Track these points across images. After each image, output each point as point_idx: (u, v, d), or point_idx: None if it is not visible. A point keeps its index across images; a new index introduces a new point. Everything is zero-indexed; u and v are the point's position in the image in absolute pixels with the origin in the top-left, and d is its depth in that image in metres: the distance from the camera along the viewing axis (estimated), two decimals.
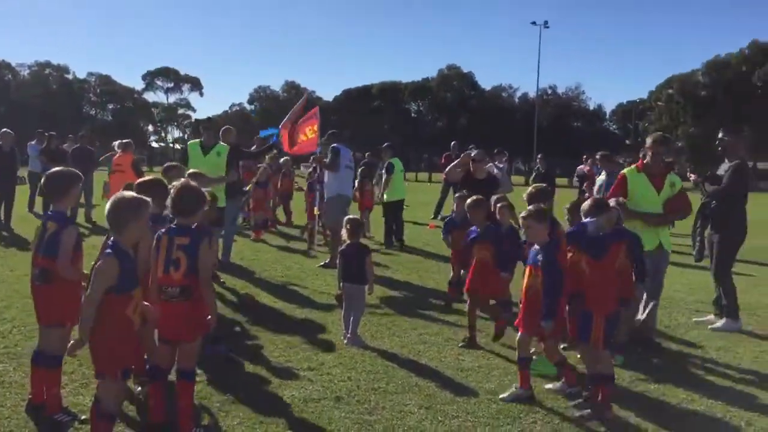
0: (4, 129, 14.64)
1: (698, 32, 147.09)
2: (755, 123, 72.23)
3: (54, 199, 4.69)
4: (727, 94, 73.64)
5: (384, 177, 13.94)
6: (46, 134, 16.25)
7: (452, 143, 18.71)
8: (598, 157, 16.43)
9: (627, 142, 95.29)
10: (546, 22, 68.57)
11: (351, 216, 7.15)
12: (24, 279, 8.84)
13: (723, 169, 7.48)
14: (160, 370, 4.44)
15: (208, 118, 10.55)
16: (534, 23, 69.39)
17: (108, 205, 3.96)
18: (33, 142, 16.90)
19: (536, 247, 5.09)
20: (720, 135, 7.56)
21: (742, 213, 7.29)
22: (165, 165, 7.48)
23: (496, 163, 16.35)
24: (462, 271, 7.26)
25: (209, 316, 4.35)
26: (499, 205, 6.89)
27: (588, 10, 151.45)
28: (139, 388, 4.89)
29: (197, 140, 9.64)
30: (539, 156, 16.82)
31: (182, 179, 5.01)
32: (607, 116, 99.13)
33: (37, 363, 4.57)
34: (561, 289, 4.89)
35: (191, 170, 7.02)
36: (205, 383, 5.15)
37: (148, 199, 4.09)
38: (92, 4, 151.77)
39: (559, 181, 18.92)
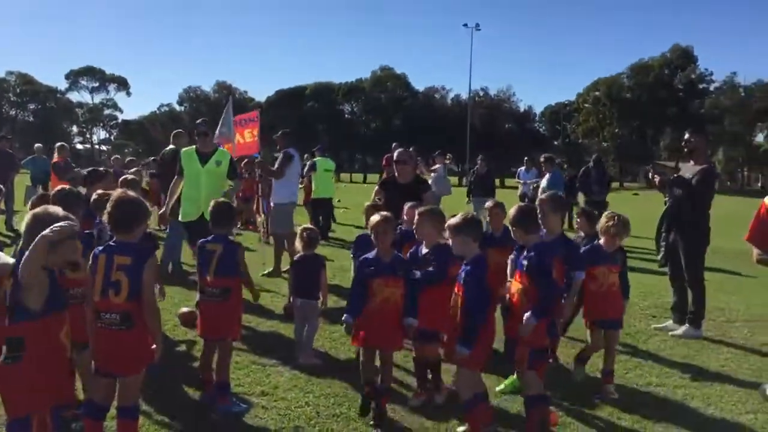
0: None
1: (623, 36, 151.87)
2: (677, 124, 75.06)
3: None
4: (651, 96, 76.15)
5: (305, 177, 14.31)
6: None
7: (393, 144, 18.40)
8: (542, 159, 16.55)
9: (555, 143, 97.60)
10: (477, 25, 69.41)
11: (308, 226, 6.72)
12: None
13: (688, 170, 7.31)
14: (97, 407, 3.94)
15: (204, 121, 8.21)
16: (466, 25, 70.16)
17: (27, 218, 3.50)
18: None
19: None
20: (687, 136, 7.40)
21: (707, 216, 7.19)
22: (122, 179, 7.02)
23: (438, 165, 16.22)
24: None
25: (154, 346, 3.88)
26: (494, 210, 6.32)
27: (518, 13, 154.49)
28: (73, 425, 4.33)
29: (191, 147, 8.05)
30: (480, 157, 16.65)
31: (118, 189, 4.52)
32: (537, 117, 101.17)
33: None
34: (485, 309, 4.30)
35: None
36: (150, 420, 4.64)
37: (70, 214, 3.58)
38: (11, 1, 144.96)
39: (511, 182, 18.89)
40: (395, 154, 7.35)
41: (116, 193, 4.14)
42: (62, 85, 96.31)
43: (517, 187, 19.58)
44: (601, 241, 5.50)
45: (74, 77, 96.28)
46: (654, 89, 76.25)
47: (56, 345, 3.43)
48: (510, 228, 4.78)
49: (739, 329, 7.60)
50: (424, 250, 5.02)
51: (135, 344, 3.79)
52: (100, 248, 3.90)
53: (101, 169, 7.65)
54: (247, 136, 10.68)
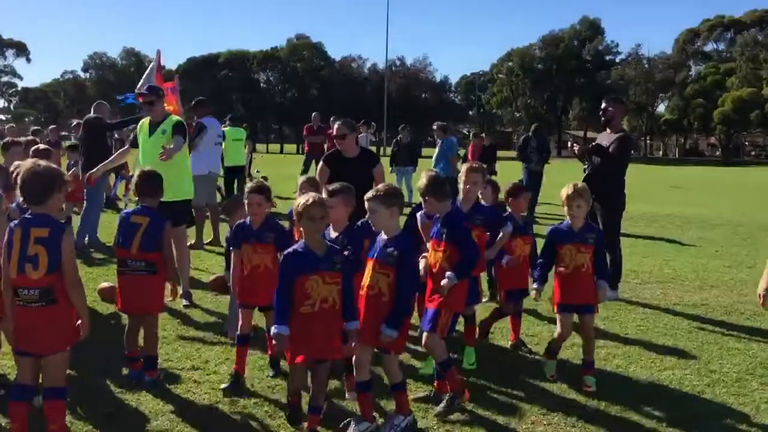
0: None
1: (536, 8, 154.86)
2: (586, 94, 77.61)
3: None
4: (562, 67, 78.25)
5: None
6: None
7: (313, 114, 18.21)
8: (434, 127, 16.72)
9: (470, 113, 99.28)
10: None
11: (239, 195, 6.51)
12: None
13: (604, 138, 7.53)
14: (20, 388, 3.74)
15: (150, 88, 7.12)
16: None
17: None
18: None
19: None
20: (603, 105, 7.59)
21: (624, 183, 7.46)
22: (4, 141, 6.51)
23: (362, 135, 16.15)
24: None
25: (79, 321, 3.71)
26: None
27: None
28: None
29: (146, 118, 7.28)
30: (402, 126, 16.71)
31: (29, 160, 4.24)
32: (453, 88, 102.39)
33: None
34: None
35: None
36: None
37: None
38: None
39: (427, 152, 19.06)
40: (335, 130, 6.56)
41: (26, 163, 3.90)
42: None
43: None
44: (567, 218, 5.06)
45: None
46: (564, 60, 78.32)
47: None
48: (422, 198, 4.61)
49: (651, 290, 7.99)
50: (333, 235, 4.51)
51: (57, 321, 3.61)
52: (15, 222, 3.69)
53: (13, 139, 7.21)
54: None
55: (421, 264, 4.50)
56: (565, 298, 4.97)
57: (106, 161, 7.86)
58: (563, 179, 5.96)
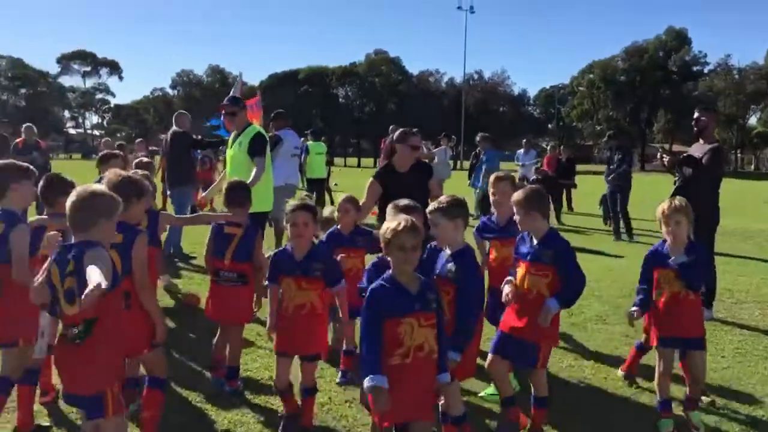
0: None
1: (618, 18, 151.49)
2: (671, 106, 75.01)
3: None
4: (646, 78, 75.97)
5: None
6: None
7: (390, 127, 18.24)
8: (478, 138, 16.47)
9: (549, 126, 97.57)
10: (472, 7, 68.97)
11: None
12: None
13: (696, 150, 7.17)
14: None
15: (232, 99, 7.26)
16: (460, 8, 69.55)
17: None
18: None
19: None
20: (696, 114, 7.25)
21: (718, 196, 7.07)
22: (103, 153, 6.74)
23: (441, 148, 16.07)
24: None
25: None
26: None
27: None
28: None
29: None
30: (477, 138, 16.49)
31: (113, 169, 4.39)
32: (531, 101, 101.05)
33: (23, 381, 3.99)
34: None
35: None
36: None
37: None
38: None
39: (505, 165, 18.77)
40: (415, 141, 5.95)
41: (110, 173, 4.05)
42: (54, 69, 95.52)
43: (516, 170, 19.48)
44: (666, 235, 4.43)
45: (66, 61, 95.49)
46: (648, 72, 76.03)
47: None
48: (516, 212, 4.19)
49: (749, 310, 7.51)
50: (446, 256, 3.89)
51: (135, 324, 3.70)
52: None
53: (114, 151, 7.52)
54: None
55: (506, 289, 4.15)
56: (664, 329, 4.34)
57: (214, 185, 7.93)
58: (649, 193, 5.69)
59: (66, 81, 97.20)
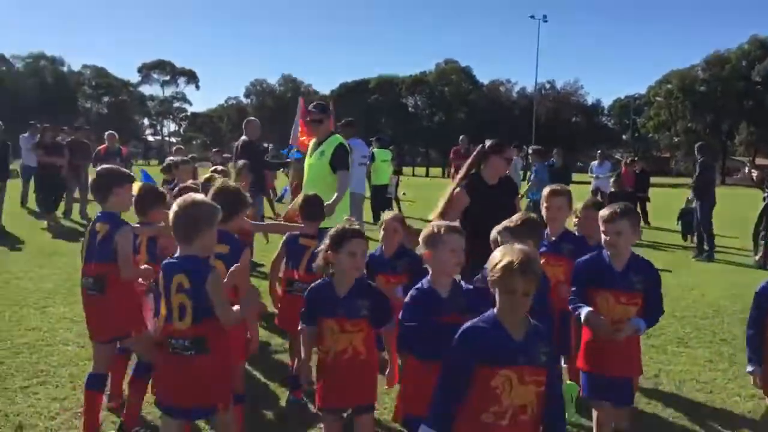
0: None
1: (697, 28, 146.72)
2: (754, 118, 71.91)
3: (100, 199, 4.18)
4: (727, 89, 73.12)
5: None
6: (40, 126, 15.43)
7: (461, 137, 18.07)
8: (530, 151, 16.08)
9: (624, 137, 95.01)
10: (545, 16, 67.88)
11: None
12: (14, 282, 8.18)
13: None
14: None
15: (318, 105, 6.98)
16: (532, 17, 68.71)
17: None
18: (26, 135, 16.16)
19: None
20: None
21: None
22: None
23: (515, 159, 15.79)
24: None
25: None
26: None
27: (587, 3, 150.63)
28: None
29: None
30: (555, 150, 16.06)
31: (219, 179, 4.58)
32: (605, 111, 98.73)
33: (90, 387, 4.04)
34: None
35: None
36: None
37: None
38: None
39: (577, 177, 18.35)
40: (507, 152, 5.53)
41: (218, 182, 4.23)
42: (135, 78, 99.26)
43: (589, 182, 18.95)
44: None
45: (146, 71, 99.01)
46: (730, 82, 73.14)
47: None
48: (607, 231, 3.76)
49: None
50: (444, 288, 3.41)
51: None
52: None
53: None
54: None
55: (583, 312, 3.76)
56: None
57: (297, 197, 7.93)
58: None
59: (146, 90, 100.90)
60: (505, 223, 3.82)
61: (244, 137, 10.28)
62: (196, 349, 3.18)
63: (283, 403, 4.81)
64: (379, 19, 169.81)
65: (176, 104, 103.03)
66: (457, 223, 3.59)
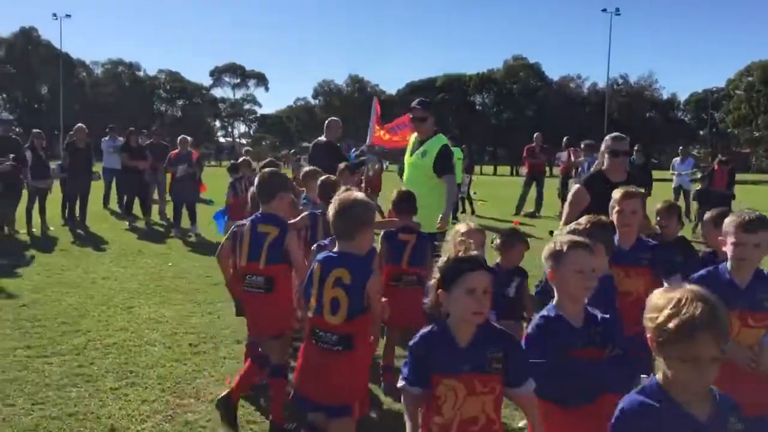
0: (78, 124, 14.42)
1: None
2: None
3: (264, 201, 4.42)
4: None
5: None
6: (129, 129, 15.84)
7: (535, 134, 17.68)
8: (582, 146, 15.48)
9: (701, 132, 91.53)
10: (617, 9, 66.05)
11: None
12: (101, 282, 8.39)
13: None
14: None
15: (422, 102, 6.61)
16: (604, 10, 66.88)
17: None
18: (106, 138, 16.66)
19: None
20: None
21: None
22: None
23: (586, 158, 15.30)
24: None
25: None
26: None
27: None
28: None
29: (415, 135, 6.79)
30: (636, 147, 15.47)
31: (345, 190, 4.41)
32: (681, 106, 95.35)
33: (274, 375, 4.32)
34: None
35: None
36: None
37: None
38: (161, 2, 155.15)
39: (657, 174, 17.65)
40: (619, 145, 5.10)
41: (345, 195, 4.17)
42: (207, 81, 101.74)
43: (668, 179, 18.26)
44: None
45: (218, 74, 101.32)
46: None
47: None
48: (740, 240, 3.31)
49: None
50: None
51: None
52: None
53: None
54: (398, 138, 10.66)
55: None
56: None
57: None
58: None
59: (218, 93, 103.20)
60: (572, 225, 3.51)
61: (323, 137, 10.16)
62: (343, 345, 3.24)
63: None
64: (446, 18, 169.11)
65: (246, 106, 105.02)
66: (584, 239, 3.00)
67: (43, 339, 6.02)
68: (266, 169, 4.68)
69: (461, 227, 3.94)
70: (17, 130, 14.64)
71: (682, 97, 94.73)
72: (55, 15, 69.03)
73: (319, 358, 3.29)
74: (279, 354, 4.30)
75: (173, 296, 7.81)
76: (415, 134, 6.71)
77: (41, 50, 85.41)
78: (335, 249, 3.42)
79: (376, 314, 3.34)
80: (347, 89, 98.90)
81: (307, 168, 6.84)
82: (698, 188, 14.41)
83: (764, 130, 74.50)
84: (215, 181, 22.81)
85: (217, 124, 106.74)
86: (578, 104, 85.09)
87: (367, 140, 9.42)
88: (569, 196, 5.07)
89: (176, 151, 13.71)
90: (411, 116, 6.70)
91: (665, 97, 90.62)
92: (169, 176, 14.06)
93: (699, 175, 16.72)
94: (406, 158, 6.73)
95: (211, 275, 9.03)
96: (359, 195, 3.47)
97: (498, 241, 5.05)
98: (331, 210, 3.37)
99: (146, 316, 6.91)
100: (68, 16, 71.62)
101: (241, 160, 11.25)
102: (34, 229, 12.67)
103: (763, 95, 73.73)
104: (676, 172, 17.35)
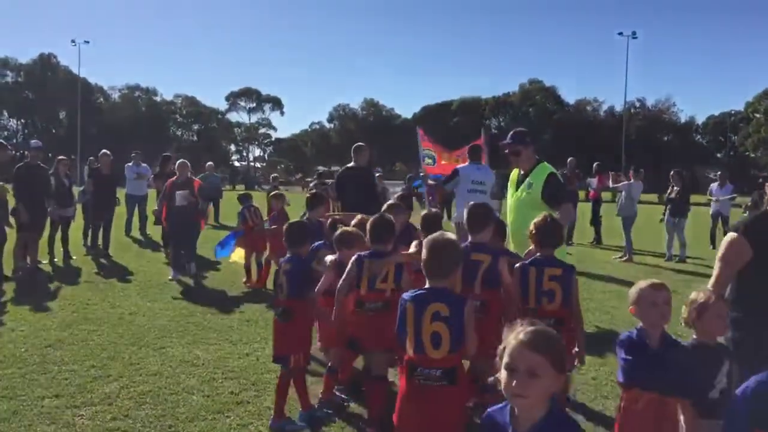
0: (103, 150, 14.08)
1: None
2: None
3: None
4: None
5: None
6: (163, 156, 15.50)
7: (569, 159, 17.12)
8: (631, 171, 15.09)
9: (719, 155, 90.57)
10: (634, 33, 65.91)
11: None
12: (128, 318, 7.92)
13: None
14: None
15: (517, 134, 6.36)
16: (621, 34, 66.80)
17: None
18: (130, 164, 16.35)
19: None
20: None
21: None
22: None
23: (632, 182, 14.76)
24: None
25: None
26: None
27: (679, 17, 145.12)
28: None
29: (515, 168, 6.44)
30: (672, 172, 14.90)
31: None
32: (699, 128, 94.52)
33: (378, 380, 4.75)
34: None
35: None
36: None
37: None
38: (178, 28, 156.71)
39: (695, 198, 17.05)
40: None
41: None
42: (222, 106, 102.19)
43: (708, 205, 17.66)
44: None
45: (233, 98, 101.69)
46: None
47: None
48: None
49: None
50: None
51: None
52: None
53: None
54: (451, 159, 10.52)
55: None
56: None
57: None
58: None
59: (233, 117, 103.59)
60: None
61: (352, 163, 9.75)
62: (448, 380, 3.32)
63: None
64: (462, 42, 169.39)
65: (262, 130, 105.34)
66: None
67: (71, 386, 5.55)
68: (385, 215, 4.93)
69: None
70: (47, 155, 14.25)
71: (700, 120, 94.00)
72: (73, 41, 69.80)
73: (424, 394, 3.35)
74: (385, 366, 4.73)
75: (206, 335, 7.31)
76: (516, 170, 6.26)
77: (60, 75, 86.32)
78: (426, 285, 3.50)
79: (473, 343, 3.44)
80: (362, 113, 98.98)
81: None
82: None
83: None
84: (231, 207, 22.42)
85: (232, 147, 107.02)
86: (595, 128, 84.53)
87: (420, 170, 9.12)
88: (722, 250, 3.73)
89: (173, 178, 11.33)
90: (506, 152, 6.25)
91: (683, 120, 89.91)
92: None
93: (741, 202, 16.12)
94: (509, 196, 6.22)
95: (243, 310, 8.58)
96: (452, 236, 3.69)
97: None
98: (427, 251, 3.50)
99: (180, 358, 6.42)
100: (86, 42, 72.00)
101: (274, 193, 11.26)
102: (55, 259, 12.29)
103: None
104: (714, 198, 16.76)
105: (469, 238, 4.79)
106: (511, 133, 6.28)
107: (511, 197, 6.17)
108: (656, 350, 3.13)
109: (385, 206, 6.06)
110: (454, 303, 3.40)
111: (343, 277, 4.69)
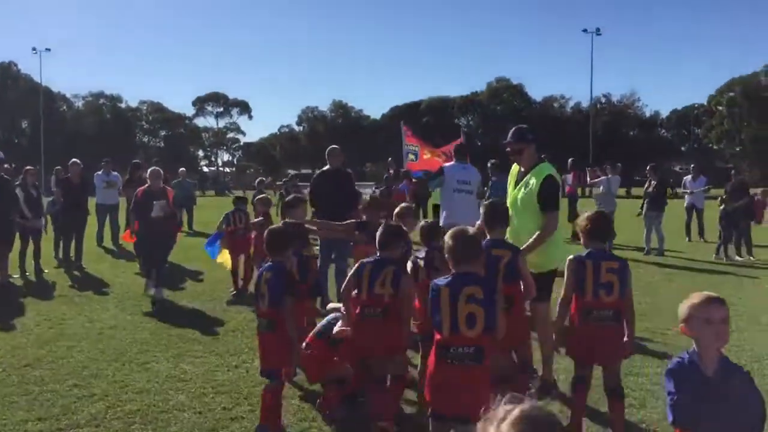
0: (73, 159, 13.68)
1: (757, 34, 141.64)
2: None
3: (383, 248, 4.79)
4: None
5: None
6: (133, 163, 15.15)
7: (570, 160, 17.09)
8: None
9: (683, 149, 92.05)
10: (598, 29, 66.56)
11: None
12: (108, 333, 7.64)
13: None
14: None
15: (520, 130, 6.03)
16: (585, 31, 67.37)
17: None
18: (100, 172, 15.95)
19: None
20: None
21: None
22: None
23: (610, 177, 14.81)
24: None
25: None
26: None
27: (642, 13, 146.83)
28: None
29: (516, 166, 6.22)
30: (649, 167, 15.01)
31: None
32: (663, 122, 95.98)
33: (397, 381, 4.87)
34: None
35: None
36: None
37: None
38: (142, 34, 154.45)
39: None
40: None
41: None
42: (190, 111, 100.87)
43: (682, 197, 17.82)
44: None
45: (200, 103, 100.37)
46: None
47: None
48: None
49: None
50: None
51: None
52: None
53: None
54: (434, 155, 10.49)
55: None
56: None
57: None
58: None
59: (200, 122, 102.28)
60: None
61: (327, 166, 9.56)
62: (477, 359, 3.59)
63: None
64: (429, 41, 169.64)
65: (230, 135, 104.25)
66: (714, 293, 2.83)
67: (55, 407, 5.29)
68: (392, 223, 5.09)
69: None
70: (7, 166, 13.79)
71: (665, 114, 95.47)
72: (34, 49, 68.36)
73: (455, 373, 3.59)
74: (402, 367, 4.88)
75: (191, 347, 7.07)
76: (516, 166, 6.09)
77: (21, 84, 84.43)
78: (453, 272, 3.74)
79: (503, 323, 3.72)
80: (331, 115, 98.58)
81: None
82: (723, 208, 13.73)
83: (749, 145, 75.00)
84: (204, 213, 22.10)
85: (201, 153, 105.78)
86: (562, 124, 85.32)
87: (404, 165, 9.07)
88: None
89: (144, 187, 10.30)
90: (507, 151, 6.04)
91: (648, 114, 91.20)
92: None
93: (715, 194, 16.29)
94: (510, 193, 6.03)
95: (227, 320, 8.35)
96: (471, 228, 4.10)
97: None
98: (452, 239, 3.77)
99: (166, 373, 6.18)
100: (48, 50, 70.42)
101: (260, 197, 11.44)
102: (27, 273, 11.90)
103: (746, 111, 74.33)
104: (688, 190, 16.92)
105: (487, 236, 4.90)
106: (513, 130, 6.05)
107: (509, 194, 6.02)
108: (711, 378, 2.72)
109: (396, 210, 6.24)
110: (487, 286, 3.69)
111: (344, 283, 4.86)
